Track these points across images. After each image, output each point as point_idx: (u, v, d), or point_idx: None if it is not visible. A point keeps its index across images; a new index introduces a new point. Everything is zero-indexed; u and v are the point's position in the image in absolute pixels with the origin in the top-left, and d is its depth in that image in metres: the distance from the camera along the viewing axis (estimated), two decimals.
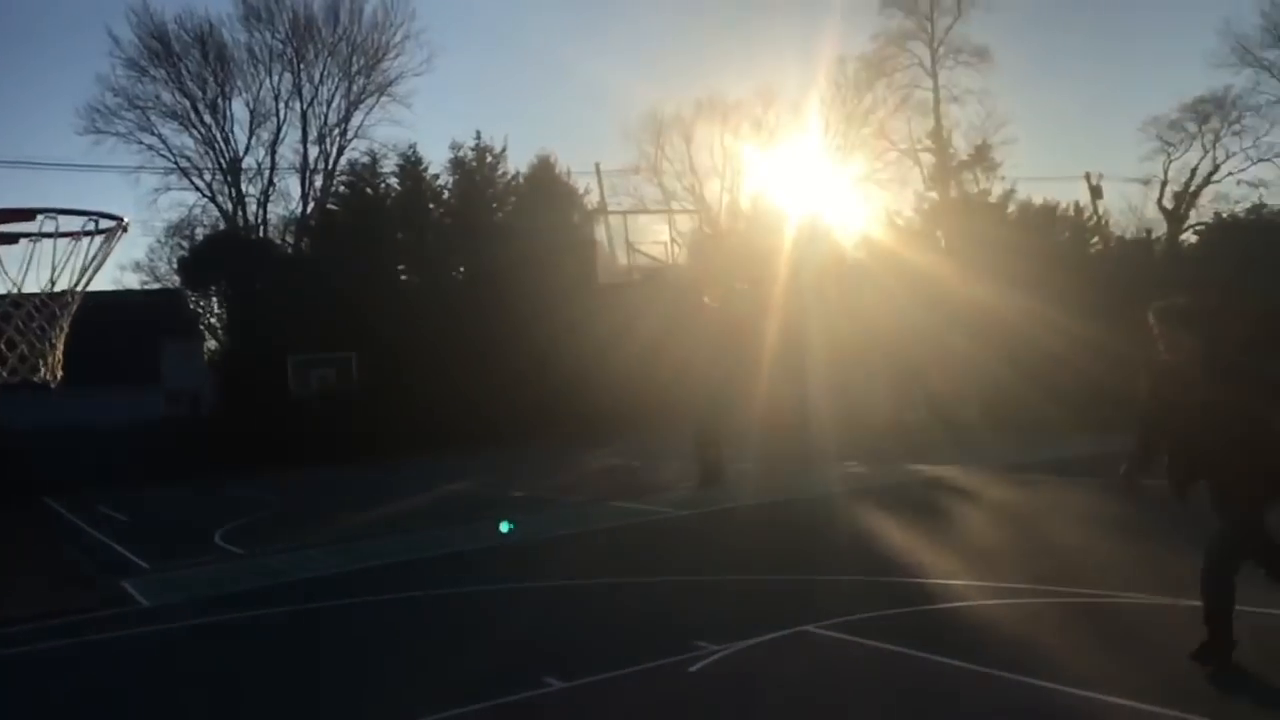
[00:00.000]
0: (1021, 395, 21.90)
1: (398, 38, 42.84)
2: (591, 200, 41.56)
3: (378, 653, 7.28)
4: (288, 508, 18.45)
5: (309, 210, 41.50)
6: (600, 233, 39.69)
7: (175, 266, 41.25)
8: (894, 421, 25.46)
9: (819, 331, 29.19)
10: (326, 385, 30.83)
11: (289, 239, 41.45)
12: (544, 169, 40.29)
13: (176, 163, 41.24)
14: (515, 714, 5.56)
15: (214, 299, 41.06)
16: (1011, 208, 37.31)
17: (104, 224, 3.98)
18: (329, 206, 40.38)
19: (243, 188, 41.65)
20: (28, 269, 3.82)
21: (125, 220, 4.15)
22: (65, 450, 30.39)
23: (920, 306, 27.29)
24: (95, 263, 3.96)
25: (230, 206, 41.72)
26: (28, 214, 3.70)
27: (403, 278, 38.10)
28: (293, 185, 48.15)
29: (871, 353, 28.45)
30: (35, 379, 4.09)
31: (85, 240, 3.86)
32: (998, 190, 38.35)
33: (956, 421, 23.65)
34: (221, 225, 41.29)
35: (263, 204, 41.88)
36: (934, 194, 40.29)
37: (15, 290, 3.83)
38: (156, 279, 43.21)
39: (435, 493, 18.64)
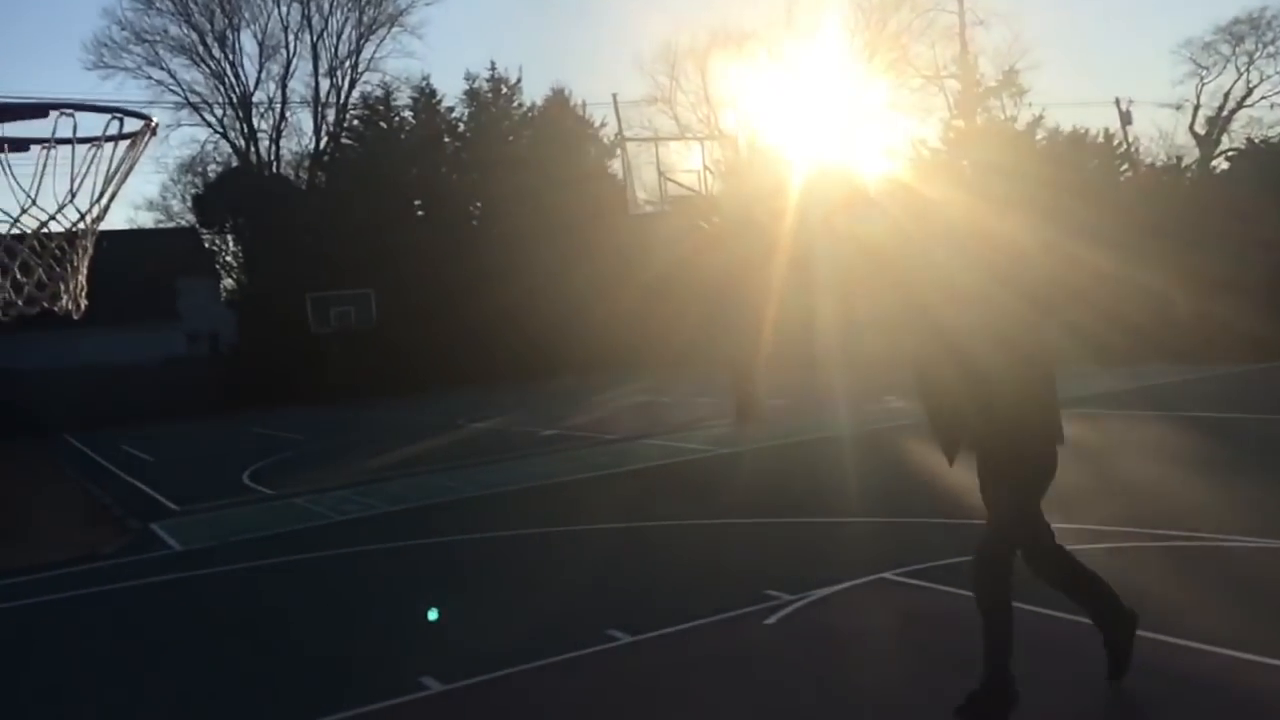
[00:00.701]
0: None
1: None
2: (607, 133, 40.79)
3: (424, 602, 6.94)
4: (313, 447, 18.18)
5: (322, 145, 40.80)
6: (622, 164, 38.92)
7: (189, 204, 40.78)
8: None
9: (839, 266, 28.57)
10: (346, 322, 30.46)
11: (303, 174, 40.86)
12: (558, 101, 39.50)
13: (186, 98, 40.47)
14: (580, 670, 5.20)
15: (229, 237, 40.63)
16: (1040, 135, 36.34)
17: (129, 125, 3.47)
18: (343, 141, 39.68)
19: (254, 123, 40.94)
20: (41, 179, 3.33)
21: (154, 121, 3.65)
22: (86, 388, 30.34)
23: (941, 239, 26.62)
24: (121, 172, 3.47)
25: (242, 142, 41.06)
26: (39, 109, 3.22)
27: (419, 212, 37.52)
28: (305, 120, 47.42)
29: (895, 287, 27.82)
30: (56, 309, 3.62)
31: (108, 146, 3.36)
32: (1025, 117, 37.35)
33: None
34: (234, 162, 40.69)
35: (275, 139, 41.20)
36: (960, 122, 39.30)
37: (30, 204, 3.33)
38: (170, 217, 42.79)
39: (463, 431, 18.33)
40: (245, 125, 40.90)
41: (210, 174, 40.46)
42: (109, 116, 3.35)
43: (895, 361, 23.01)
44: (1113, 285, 21.99)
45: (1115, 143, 37.61)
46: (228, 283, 41.53)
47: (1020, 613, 4.16)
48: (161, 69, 40.15)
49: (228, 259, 41.95)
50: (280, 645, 6.26)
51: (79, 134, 3.24)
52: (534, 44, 68.65)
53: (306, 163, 41.07)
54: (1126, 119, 38.59)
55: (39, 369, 30.15)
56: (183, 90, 40.41)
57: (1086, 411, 13.08)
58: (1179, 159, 40.73)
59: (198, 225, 40.23)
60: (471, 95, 38.15)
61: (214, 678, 5.77)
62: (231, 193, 37.35)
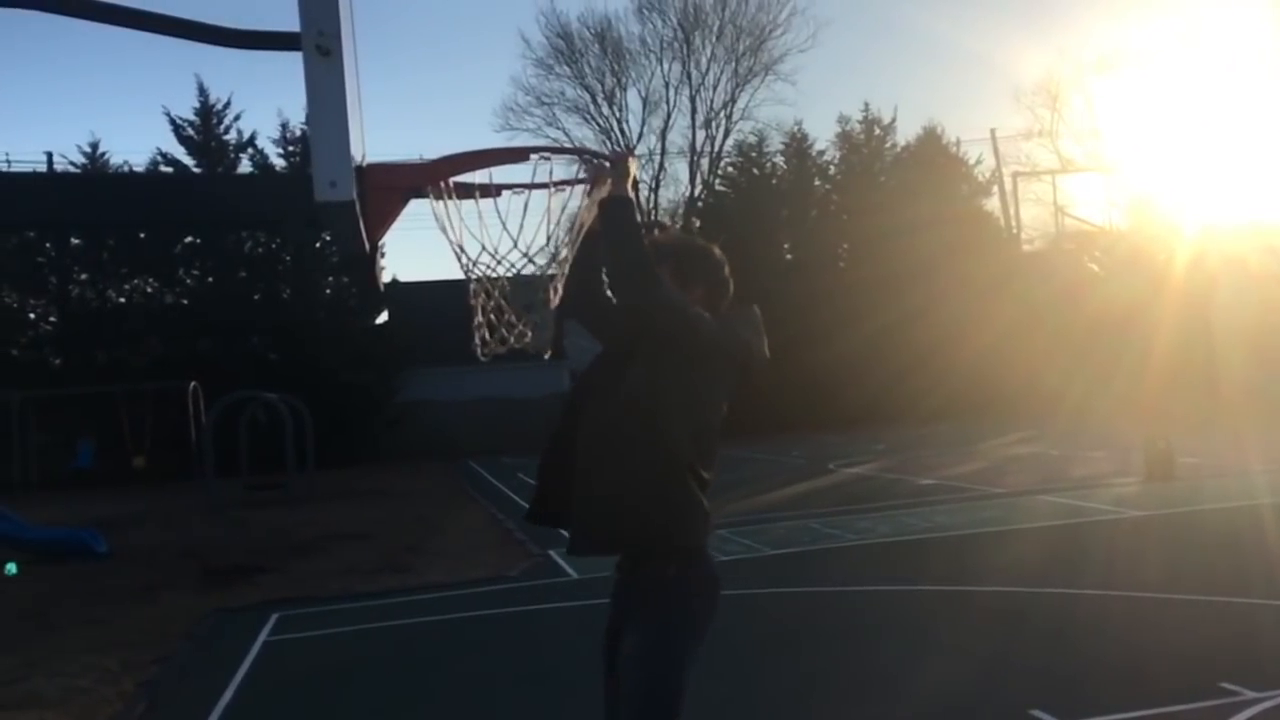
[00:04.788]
0: None
1: (783, 15, 42.77)
2: (983, 171, 39.30)
3: (811, 655, 6.76)
4: None
5: (698, 193, 42.54)
6: (1001, 201, 37.22)
7: None
8: None
9: (1252, 311, 25.45)
10: None
11: (678, 220, 42.79)
12: (930, 139, 38.62)
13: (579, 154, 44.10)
14: None
15: None
16: None
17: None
18: (717, 188, 41.11)
19: (636, 174, 43.64)
20: (523, 222, 3.56)
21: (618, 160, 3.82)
22: (483, 418, 33.46)
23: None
24: (583, 215, 3.64)
25: None
26: (520, 153, 3.43)
27: (787, 256, 37.98)
28: (681, 169, 49.73)
29: None
30: (525, 348, 3.85)
31: (578, 189, 3.54)
32: None
33: None
34: None
35: (654, 189, 43.56)
36: None
37: (512, 245, 3.56)
38: (557, 263, 46.62)
39: (835, 476, 18.07)
40: None
41: None
42: (579, 161, 3.53)
43: None
44: None
45: None
46: None
47: None
48: (557, 128, 43.93)
49: None
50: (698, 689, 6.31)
51: (554, 177, 3.44)
52: (906, 83, 67.66)
53: (681, 209, 43.03)
54: None
55: (443, 400, 33.77)
56: (575, 147, 43.98)
57: None
58: None
59: None
60: (843, 138, 38.21)
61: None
62: None
